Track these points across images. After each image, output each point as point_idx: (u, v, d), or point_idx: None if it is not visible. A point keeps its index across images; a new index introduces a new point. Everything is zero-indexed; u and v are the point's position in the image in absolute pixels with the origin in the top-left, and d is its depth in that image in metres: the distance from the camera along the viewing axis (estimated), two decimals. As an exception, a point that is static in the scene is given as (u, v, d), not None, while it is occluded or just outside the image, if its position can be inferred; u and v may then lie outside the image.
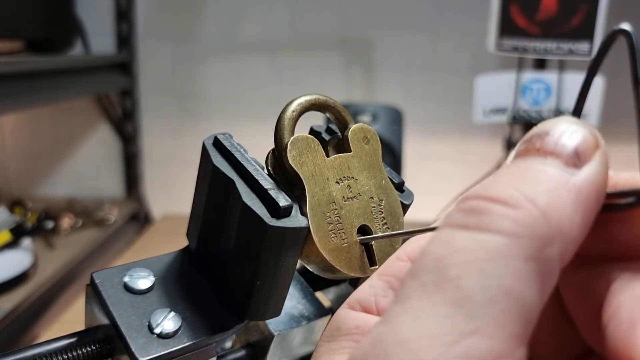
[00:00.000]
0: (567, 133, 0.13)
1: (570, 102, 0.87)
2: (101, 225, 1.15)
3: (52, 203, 1.20)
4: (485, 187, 0.13)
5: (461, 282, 0.11)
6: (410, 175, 1.08)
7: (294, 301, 0.25)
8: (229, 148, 0.22)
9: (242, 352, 0.25)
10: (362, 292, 0.16)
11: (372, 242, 0.22)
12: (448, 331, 0.11)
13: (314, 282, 0.27)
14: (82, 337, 0.21)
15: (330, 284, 0.27)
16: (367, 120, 1.00)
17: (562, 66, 0.87)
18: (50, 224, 1.07)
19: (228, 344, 0.28)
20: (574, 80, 0.86)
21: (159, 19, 1.27)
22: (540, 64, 0.91)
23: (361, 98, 1.24)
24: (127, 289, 0.21)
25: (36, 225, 1.05)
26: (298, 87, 1.25)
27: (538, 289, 0.12)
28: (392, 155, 0.97)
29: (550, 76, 0.88)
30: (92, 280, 0.22)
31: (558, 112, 0.87)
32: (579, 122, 0.13)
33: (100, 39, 1.24)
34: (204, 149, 0.22)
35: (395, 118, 1.02)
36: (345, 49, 1.24)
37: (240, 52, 1.26)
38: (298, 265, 0.22)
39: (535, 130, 0.14)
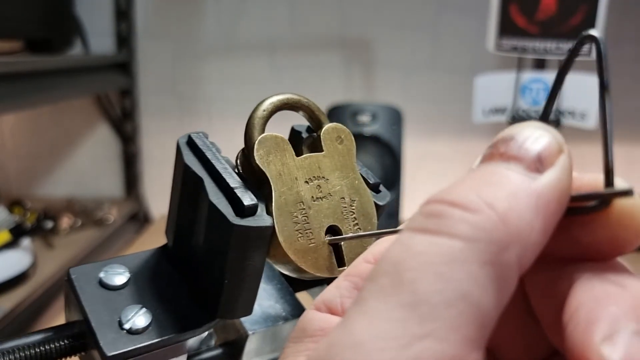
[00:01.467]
0: (531, 138, 0.13)
1: (569, 102, 0.87)
2: (100, 225, 1.15)
3: (52, 203, 1.20)
4: (447, 191, 0.13)
5: (417, 285, 0.11)
6: (410, 175, 1.08)
7: (272, 300, 0.26)
8: (200, 147, 0.22)
9: (218, 351, 0.25)
10: (328, 293, 0.16)
11: (342, 243, 0.22)
12: (400, 334, 0.11)
13: (294, 283, 0.27)
14: (58, 331, 0.22)
15: (311, 284, 0.27)
16: (367, 120, 1.00)
17: (561, 66, 0.87)
18: (49, 224, 1.07)
19: (212, 343, 0.28)
20: (574, 80, 0.86)
21: (159, 19, 1.27)
22: (540, 64, 0.91)
23: (361, 98, 1.24)
24: (102, 284, 0.22)
25: (35, 225, 1.05)
26: (298, 87, 1.25)
27: (494, 293, 0.12)
28: (392, 155, 0.97)
29: (549, 76, 0.88)
30: (68, 275, 0.22)
31: (557, 112, 0.87)
32: (545, 127, 0.13)
33: (100, 38, 1.24)
34: (178, 148, 0.22)
35: (395, 118, 1.02)
36: (345, 49, 1.24)
37: (240, 52, 1.26)
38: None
39: (501, 135, 0.14)
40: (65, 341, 0.21)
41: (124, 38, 1.23)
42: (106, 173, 1.34)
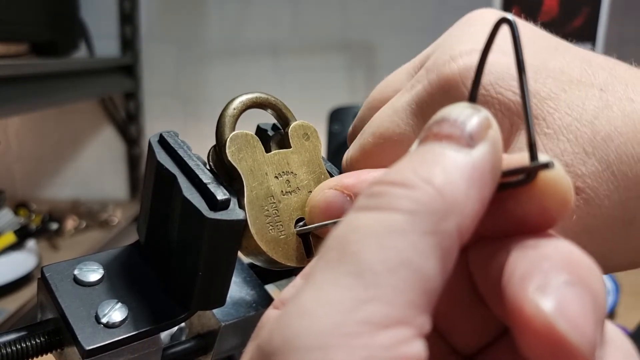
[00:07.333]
0: (461, 117, 0.14)
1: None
2: (105, 226, 1.15)
3: (57, 205, 1.21)
4: (386, 173, 0.14)
5: (360, 255, 0.12)
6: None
7: (242, 292, 0.26)
8: (172, 145, 0.22)
9: (190, 343, 0.25)
10: (285, 292, 0.17)
11: (310, 234, 0.23)
12: (346, 299, 0.12)
13: (263, 275, 0.27)
14: (32, 329, 0.22)
15: (280, 276, 0.28)
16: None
17: (564, 68, 0.87)
18: (54, 226, 1.08)
19: (182, 338, 0.28)
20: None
21: (163, 22, 1.27)
22: (542, 66, 0.91)
23: (363, 100, 1.24)
24: (77, 281, 0.22)
25: (40, 226, 1.06)
26: (301, 90, 1.25)
27: (436, 260, 0.12)
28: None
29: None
30: (42, 273, 0.22)
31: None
32: (473, 106, 0.14)
33: (105, 41, 1.25)
34: (150, 146, 0.23)
35: (398, 120, 1.02)
36: (348, 52, 1.24)
37: (244, 55, 1.26)
38: (248, 259, 0.23)
39: (434, 117, 0.14)
40: (41, 338, 0.21)
41: (129, 41, 1.24)
42: (111, 175, 1.35)
